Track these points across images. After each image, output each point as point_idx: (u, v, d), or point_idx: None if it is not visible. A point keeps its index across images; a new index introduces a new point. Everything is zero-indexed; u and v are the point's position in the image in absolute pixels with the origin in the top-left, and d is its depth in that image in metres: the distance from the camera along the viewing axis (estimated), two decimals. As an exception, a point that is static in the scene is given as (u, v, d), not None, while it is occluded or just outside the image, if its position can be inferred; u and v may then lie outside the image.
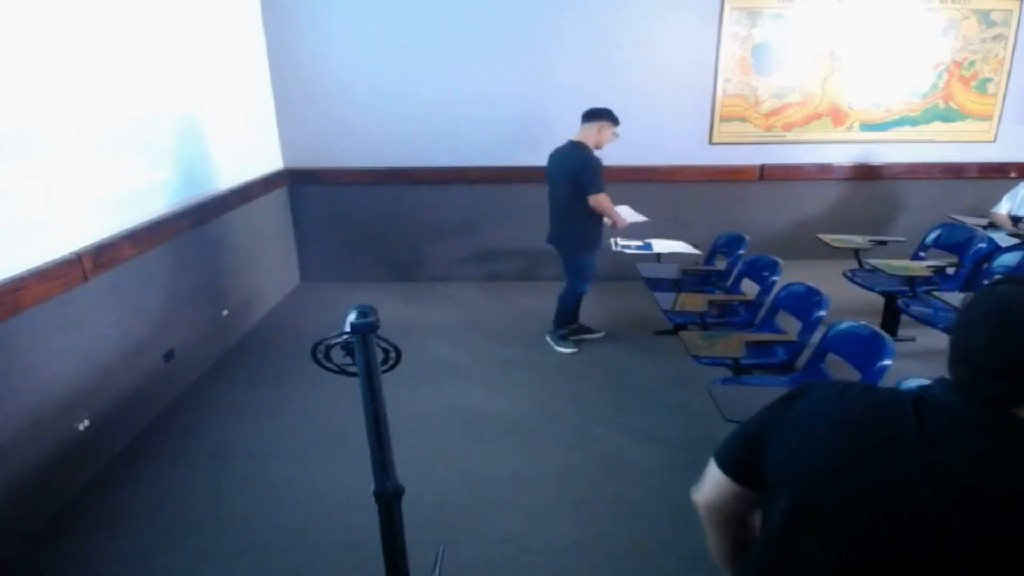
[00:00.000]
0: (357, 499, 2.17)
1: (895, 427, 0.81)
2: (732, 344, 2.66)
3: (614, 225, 3.68)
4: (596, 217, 3.64)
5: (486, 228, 5.05)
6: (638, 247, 4.09)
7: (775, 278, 3.28)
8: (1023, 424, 0.75)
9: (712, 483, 1.03)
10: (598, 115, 3.59)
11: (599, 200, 3.53)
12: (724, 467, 1.00)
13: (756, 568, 0.95)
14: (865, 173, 4.97)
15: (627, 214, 3.87)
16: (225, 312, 3.91)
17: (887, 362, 2.23)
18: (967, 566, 0.74)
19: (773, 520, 0.90)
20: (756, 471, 0.95)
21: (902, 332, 3.76)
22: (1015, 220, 3.92)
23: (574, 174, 3.53)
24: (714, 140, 4.84)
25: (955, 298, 3.04)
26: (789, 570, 0.87)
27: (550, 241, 3.83)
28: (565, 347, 3.84)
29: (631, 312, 4.39)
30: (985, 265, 3.62)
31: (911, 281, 3.60)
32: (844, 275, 3.97)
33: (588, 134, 3.59)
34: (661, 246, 4.11)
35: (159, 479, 2.69)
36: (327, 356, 1.58)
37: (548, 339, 3.91)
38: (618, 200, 5.04)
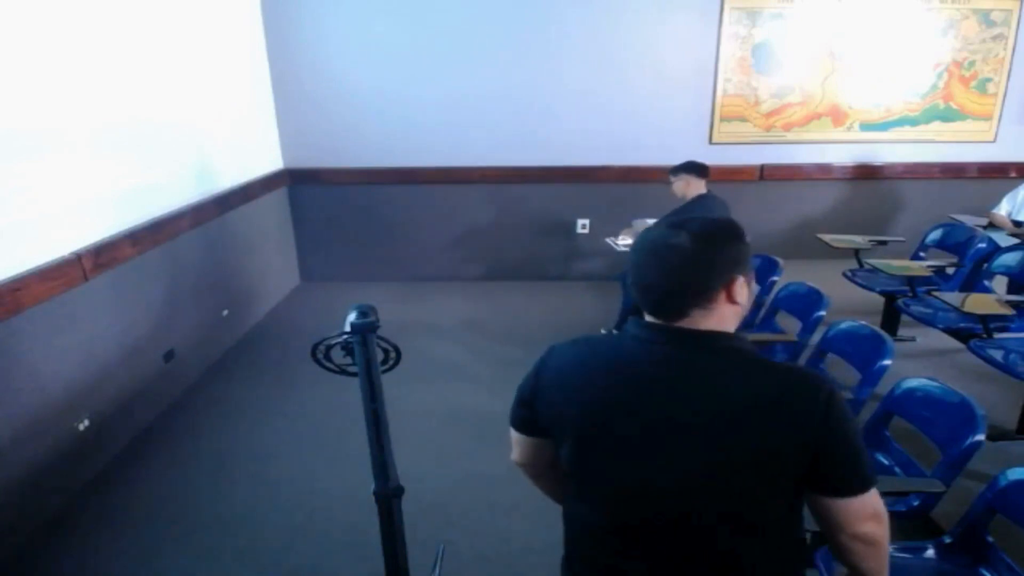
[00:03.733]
0: (357, 499, 2.17)
1: (621, 363, 1.05)
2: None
3: None
4: None
5: (486, 228, 5.06)
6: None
7: (775, 278, 3.28)
8: (686, 332, 1.01)
9: (515, 444, 1.22)
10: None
11: None
12: (515, 426, 1.19)
13: (567, 499, 1.19)
14: (865, 173, 4.97)
15: (626, 242, 3.99)
16: (225, 312, 3.91)
17: (887, 362, 2.23)
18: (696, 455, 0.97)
19: (565, 459, 1.10)
20: (538, 424, 1.14)
21: (902, 332, 3.76)
22: (1017, 224, 3.91)
23: None
24: (714, 140, 4.84)
25: (955, 298, 3.04)
26: (588, 495, 1.10)
27: None
28: None
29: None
30: (985, 265, 3.62)
31: (911, 281, 3.60)
32: (844, 275, 3.97)
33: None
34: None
35: (159, 479, 2.69)
36: (327, 356, 1.58)
37: None
38: (619, 199, 5.06)
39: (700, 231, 1.00)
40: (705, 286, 1.00)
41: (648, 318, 1.05)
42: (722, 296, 1.01)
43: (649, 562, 1.04)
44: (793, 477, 0.95)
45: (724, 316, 1.02)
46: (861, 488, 0.96)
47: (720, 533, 0.99)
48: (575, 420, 1.07)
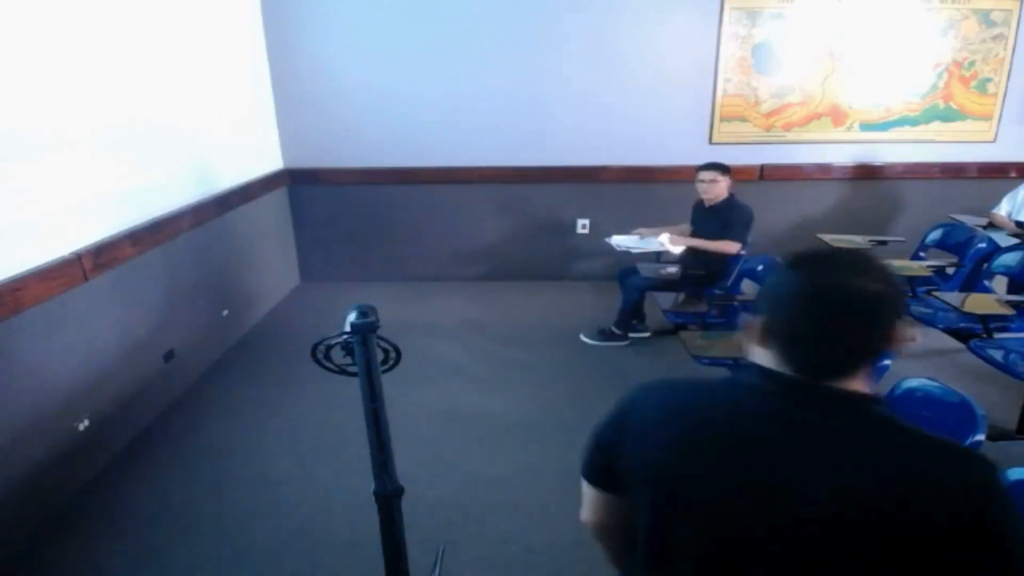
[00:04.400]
0: (357, 499, 2.17)
1: (739, 421, 0.88)
2: (732, 344, 2.65)
3: None
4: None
5: (486, 228, 5.05)
6: (639, 248, 4.09)
7: (781, 282, 3.27)
8: (836, 393, 0.84)
9: (587, 499, 1.06)
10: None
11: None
12: (589, 478, 1.04)
13: (635, 569, 1.00)
14: (865, 173, 4.97)
15: (626, 240, 4.02)
16: (225, 312, 3.91)
17: (887, 362, 2.23)
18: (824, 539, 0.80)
19: (641, 522, 0.95)
20: (616, 476, 0.98)
21: (902, 332, 3.76)
22: (1019, 224, 3.91)
23: None
24: (714, 140, 4.84)
25: (955, 298, 3.04)
26: (669, 568, 0.92)
27: None
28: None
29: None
30: (985, 265, 3.62)
31: (911, 281, 3.60)
32: (844, 275, 3.96)
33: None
34: (660, 245, 4.11)
35: (159, 479, 2.69)
36: (327, 356, 1.58)
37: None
38: (619, 199, 5.06)
39: (883, 272, 0.85)
40: (884, 339, 0.84)
41: (782, 369, 0.87)
42: (887, 349, 0.86)
43: None
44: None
45: (870, 371, 0.87)
46: None
47: None
48: (660, 486, 0.91)
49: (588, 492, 1.05)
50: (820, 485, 0.80)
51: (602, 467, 1.01)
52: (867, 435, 0.82)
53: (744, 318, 3.77)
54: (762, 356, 0.90)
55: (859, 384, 0.85)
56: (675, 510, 0.90)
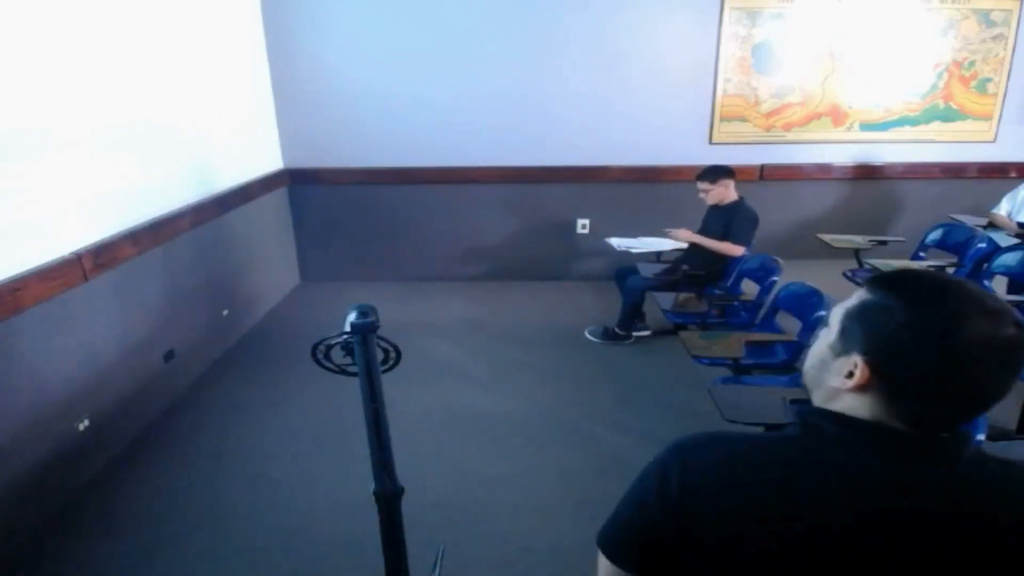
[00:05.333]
0: (357, 499, 2.17)
1: (844, 484, 0.75)
2: (732, 344, 2.66)
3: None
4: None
5: (486, 228, 5.05)
6: (639, 248, 4.10)
7: (775, 278, 3.28)
8: (940, 441, 0.76)
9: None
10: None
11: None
12: (618, 561, 0.84)
13: None
14: (865, 173, 4.97)
15: (626, 240, 4.07)
16: (225, 312, 3.91)
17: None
18: None
19: None
20: (665, 562, 0.81)
21: (902, 332, 3.76)
22: (1021, 225, 3.90)
23: None
24: (714, 140, 4.84)
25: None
26: None
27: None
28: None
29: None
30: (985, 265, 3.62)
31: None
32: (844, 275, 3.97)
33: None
34: (659, 245, 4.12)
35: (159, 479, 2.69)
36: (327, 356, 1.58)
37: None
38: (619, 199, 5.07)
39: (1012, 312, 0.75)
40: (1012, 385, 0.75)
41: (884, 420, 0.76)
42: None
43: None
44: None
45: None
46: None
47: None
48: (767, 565, 0.75)
49: (610, 570, 0.86)
50: (954, 542, 0.72)
51: (644, 553, 0.82)
52: (978, 475, 0.75)
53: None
54: (852, 403, 0.78)
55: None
56: None
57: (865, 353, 0.76)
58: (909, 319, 0.74)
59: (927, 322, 0.73)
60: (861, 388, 0.77)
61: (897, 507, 0.73)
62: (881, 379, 0.75)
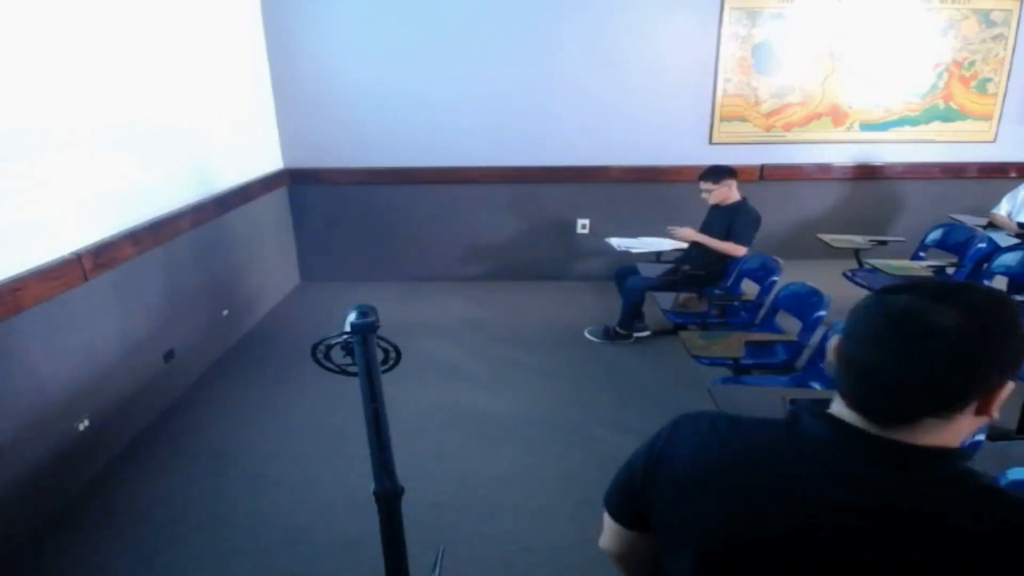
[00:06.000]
0: (357, 499, 2.17)
1: (783, 467, 0.78)
2: (732, 344, 2.66)
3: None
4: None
5: (486, 228, 5.05)
6: (639, 248, 4.10)
7: (775, 278, 3.28)
8: (907, 449, 0.73)
9: (609, 531, 0.99)
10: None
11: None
12: (613, 515, 0.97)
13: None
14: (865, 173, 4.97)
15: (627, 243, 4.06)
16: (225, 312, 3.91)
17: (985, 419, 2.22)
18: None
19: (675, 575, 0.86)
20: (645, 518, 0.91)
21: (902, 332, 3.75)
22: (1021, 225, 3.90)
23: None
24: (714, 140, 4.84)
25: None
26: None
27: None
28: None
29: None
30: (985, 265, 3.62)
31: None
32: (844, 275, 3.97)
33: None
34: (659, 245, 4.12)
35: (159, 479, 2.69)
36: (327, 356, 1.57)
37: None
38: (619, 199, 5.07)
39: (979, 307, 0.71)
40: (963, 389, 0.71)
41: (842, 411, 0.77)
42: (974, 406, 0.73)
43: None
44: None
45: (961, 430, 0.74)
46: None
47: None
48: (706, 544, 0.81)
49: (610, 525, 0.98)
50: (890, 557, 0.70)
51: (629, 507, 0.94)
52: (946, 501, 0.71)
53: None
54: (836, 401, 0.79)
55: (947, 437, 0.73)
56: None
57: (841, 335, 0.79)
58: (866, 302, 0.77)
59: (876, 303, 0.75)
60: (834, 367, 0.79)
61: (842, 506, 0.72)
62: (841, 358, 0.77)
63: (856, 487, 0.73)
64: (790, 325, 3.04)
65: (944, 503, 0.71)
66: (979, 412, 0.73)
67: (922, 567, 0.68)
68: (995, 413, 0.75)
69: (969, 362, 0.71)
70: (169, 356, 3.29)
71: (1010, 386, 0.74)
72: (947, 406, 0.72)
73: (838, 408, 0.78)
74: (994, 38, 4.65)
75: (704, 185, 3.75)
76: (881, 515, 0.71)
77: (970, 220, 4.21)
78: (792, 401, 2.02)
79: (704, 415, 0.89)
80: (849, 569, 0.71)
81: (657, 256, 4.15)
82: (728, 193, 3.73)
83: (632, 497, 0.92)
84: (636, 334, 3.97)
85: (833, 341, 0.79)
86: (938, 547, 0.68)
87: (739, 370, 2.68)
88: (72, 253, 2.57)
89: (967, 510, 0.70)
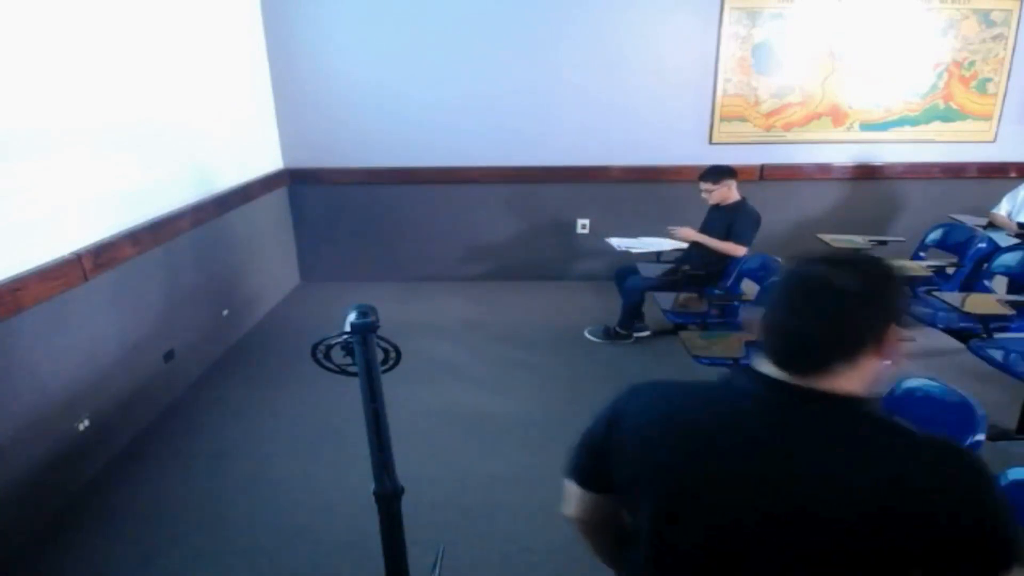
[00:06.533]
0: (357, 499, 2.17)
1: (730, 424, 0.91)
2: (732, 344, 2.65)
3: None
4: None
5: (486, 228, 5.05)
6: (639, 248, 4.10)
7: (775, 278, 3.28)
8: (821, 395, 0.87)
9: (573, 497, 1.09)
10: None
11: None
12: (577, 480, 1.07)
13: (633, 566, 1.02)
14: (865, 173, 4.97)
15: (627, 243, 4.06)
16: (225, 312, 3.91)
17: (887, 362, 2.23)
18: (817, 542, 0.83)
19: (641, 526, 0.96)
20: (607, 479, 1.01)
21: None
22: (1021, 226, 3.90)
23: None
24: (714, 140, 4.84)
25: (955, 298, 3.04)
26: (667, 569, 0.95)
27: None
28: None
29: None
30: (985, 265, 3.62)
31: (911, 281, 3.60)
32: (844, 275, 3.96)
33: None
34: (659, 245, 4.12)
35: (159, 479, 2.69)
36: (327, 356, 1.58)
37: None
38: (619, 199, 5.07)
39: (873, 271, 0.89)
40: (862, 337, 0.86)
41: (768, 369, 0.90)
42: (872, 350, 0.87)
43: None
44: (924, 572, 0.81)
45: (866, 374, 0.88)
46: (1006, 566, 0.80)
47: None
48: (661, 487, 0.93)
49: (574, 491, 1.08)
50: (815, 489, 0.82)
51: (593, 470, 1.04)
52: (856, 435, 0.85)
53: (749, 314, 3.82)
54: (760, 357, 0.93)
55: (856, 382, 0.87)
56: (676, 513, 0.92)
57: (762, 307, 0.94)
58: (780, 274, 0.94)
59: (786, 273, 0.92)
60: (757, 334, 0.94)
61: (760, 448, 0.87)
62: (762, 326, 0.92)
63: (783, 428, 0.87)
64: (790, 325, 3.03)
65: (852, 436, 0.85)
66: (878, 355, 0.87)
67: (837, 487, 0.81)
68: (892, 356, 0.89)
69: (865, 314, 0.86)
70: (169, 356, 3.29)
71: (898, 331, 0.88)
72: (852, 352, 0.86)
73: (765, 368, 0.91)
74: (994, 38, 4.65)
75: (704, 185, 3.75)
76: (806, 449, 0.85)
77: (970, 220, 4.21)
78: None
79: (654, 382, 1.03)
80: (778, 496, 0.84)
81: (657, 256, 4.15)
82: (728, 193, 3.73)
83: (597, 460, 1.02)
84: (636, 334, 3.97)
85: (752, 315, 0.94)
86: (848, 471, 0.82)
87: (739, 370, 2.68)
88: (72, 253, 2.57)
89: (875, 440, 0.85)
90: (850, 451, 0.83)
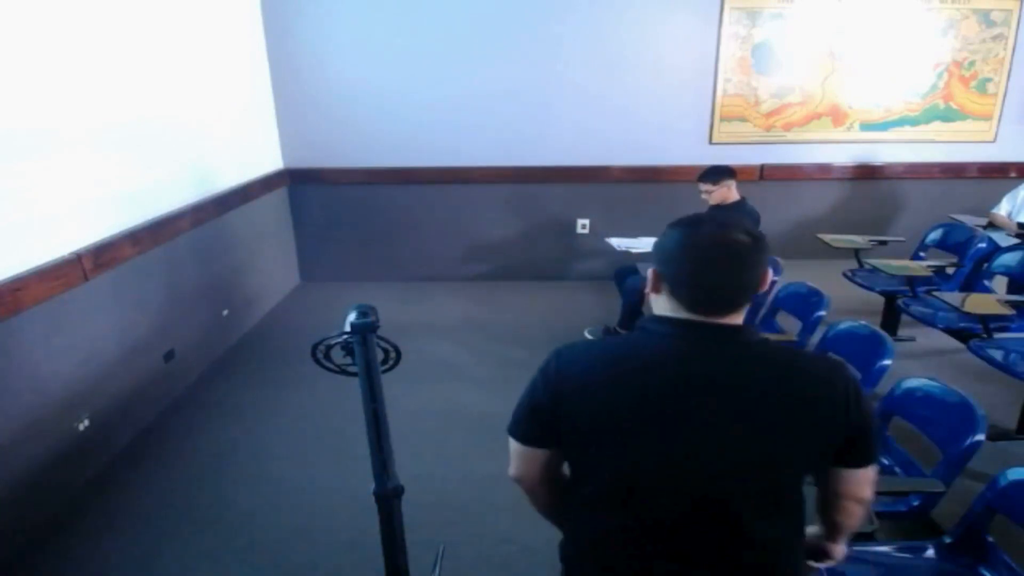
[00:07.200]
0: (357, 499, 2.17)
1: (658, 360, 1.06)
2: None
3: None
4: None
5: (486, 228, 5.06)
6: (639, 248, 4.10)
7: (775, 278, 3.28)
8: (727, 328, 1.06)
9: (519, 458, 1.19)
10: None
11: None
12: (524, 440, 1.16)
13: (580, 510, 1.13)
14: (865, 173, 4.97)
15: (626, 243, 4.07)
16: (225, 312, 3.91)
17: (887, 362, 2.23)
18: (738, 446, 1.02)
19: (594, 468, 1.09)
20: (553, 433, 1.12)
21: (902, 332, 3.76)
22: (1021, 226, 3.90)
23: None
24: (714, 140, 4.85)
25: (955, 298, 3.04)
26: (618, 499, 1.08)
27: None
28: None
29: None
30: (985, 265, 3.62)
31: (911, 281, 3.60)
32: (844, 275, 3.97)
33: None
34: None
35: (159, 479, 2.69)
36: (327, 356, 1.58)
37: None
38: (619, 199, 5.07)
39: (751, 230, 1.08)
40: (756, 281, 1.06)
41: (680, 314, 1.06)
42: (756, 289, 1.08)
43: (679, 560, 1.06)
44: (829, 456, 1.06)
45: (745, 309, 1.09)
46: (874, 459, 1.10)
47: (754, 521, 1.03)
48: (610, 423, 1.06)
49: (520, 450, 1.17)
50: (734, 401, 1.01)
51: (539, 429, 1.14)
52: (758, 358, 1.06)
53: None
54: (661, 305, 1.09)
55: (740, 318, 1.08)
56: (624, 448, 1.05)
57: (655, 266, 1.10)
58: (672, 235, 1.08)
59: (680, 234, 1.07)
60: (657, 290, 1.10)
61: (692, 374, 1.03)
62: (664, 280, 1.08)
63: (701, 358, 1.04)
64: (790, 325, 3.04)
65: (763, 355, 1.06)
66: (757, 292, 1.08)
67: (749, 399, 1.02)
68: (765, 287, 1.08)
69: (759, 264, 1.06)
70: (169, 356, 3.29)
71: (770, 273, 1.10)
72: (751, 293, 1.07)
73: (671, 313, 1.08)
74: (994, 38, 4.65)
75: (703, 186, 3.75)
76: (721, 373, 1.03)
77: (970, 220, 4.21)
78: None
79: (574, 343, 1.15)
80: (703, 411, 1.01)
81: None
82: (728, 193, 3.73)
83: (543, 416, 1.12)
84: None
85: (651, 273, 1.10)
86: (755, 385, 1.02)
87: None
88: (72, 253, 2.57)
89: (776, 357, 1.07)
90: (755, 367, 1.04)
